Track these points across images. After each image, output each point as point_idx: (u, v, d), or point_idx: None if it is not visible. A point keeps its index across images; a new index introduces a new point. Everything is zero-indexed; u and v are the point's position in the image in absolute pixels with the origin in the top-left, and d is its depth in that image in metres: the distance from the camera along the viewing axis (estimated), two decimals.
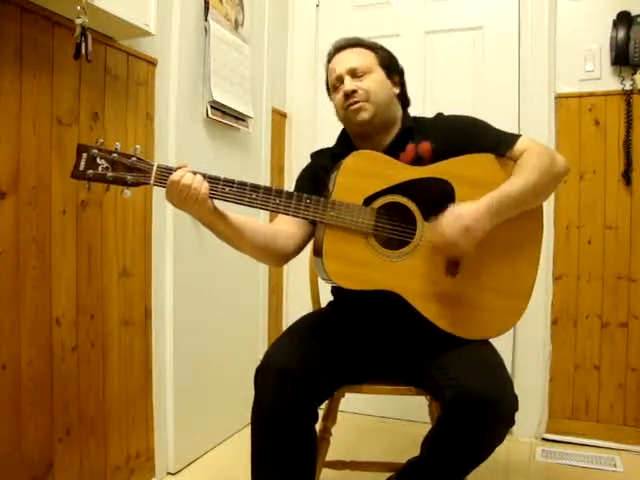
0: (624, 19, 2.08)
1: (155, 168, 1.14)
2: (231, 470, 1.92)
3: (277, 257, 1.34)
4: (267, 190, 1.19)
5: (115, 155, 1.12)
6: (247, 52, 2.18)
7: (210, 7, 1.95)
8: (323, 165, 1.41)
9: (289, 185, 2.54)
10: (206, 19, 1.94)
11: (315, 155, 1.53)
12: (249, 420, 1.24)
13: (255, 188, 1.18)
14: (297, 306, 2.49)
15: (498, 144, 1.34)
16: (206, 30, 1.94)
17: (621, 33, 2.07)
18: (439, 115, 1.45)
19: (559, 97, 2.23)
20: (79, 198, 1.50)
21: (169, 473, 1.87)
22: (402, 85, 1.46)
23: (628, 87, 2.11)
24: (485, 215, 1.21)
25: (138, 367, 1.74)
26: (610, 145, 2.16)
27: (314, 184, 1.39)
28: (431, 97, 2.38)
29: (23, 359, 1.35)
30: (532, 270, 1.37)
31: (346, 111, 1.37)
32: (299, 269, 2.50)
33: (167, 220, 1.83)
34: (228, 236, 1.24)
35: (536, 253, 1.38)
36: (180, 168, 1.14)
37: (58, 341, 1.45)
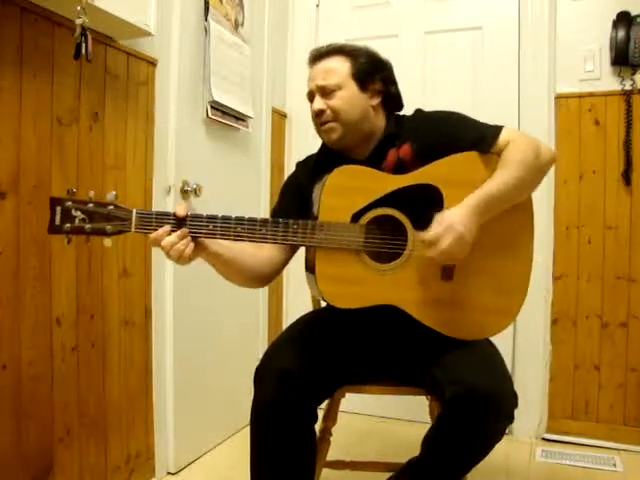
0: (624, 19, 2.08)
1: (134, 215, 1.10)
2: (231, 470, 1.92)
3: (261, 282, 1.37)
4: (252, 221, 1.16)
5: (91, 205, 1.09)
6: (247, 52, 2.18)
7: (210, 7, 1.95)
8: (306, 180, 1.38)
9: None
10: (206, 19, 1.94)
11: (301, 164, 1.49)
12: (249, 420, 1.24)
13: (240, 221, 1.16)
14: (297, 306, 2.48)
15: (480, 140, 1.30)
16: (206, 30, 1.95)
17: (621, 33, 2.07)
18: (418, 112, 1.40)
19: (559, 97, 2.23)
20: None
21: (169, 473, 1.87)
22: (386, 91, 1.37)
23: (628, 87, 2.11)
24: (472, 218, 1.18)
25: (138, 367, 1.74)
26: (610, 145, 2.16)
27: (294, 199, 1.39)
28: (430, 97, 2.35)
29: (23, 359, 1.35)
30: (525, 264, 1.33)
31: (318, 128, 1.36)
32: (299, 269, 2.50)
33: None
34: (224, 274, 1.28)
35: (528, 246, 1.34)
36: (159, 216, 1.11)
37: (58, 341, 1.45)
